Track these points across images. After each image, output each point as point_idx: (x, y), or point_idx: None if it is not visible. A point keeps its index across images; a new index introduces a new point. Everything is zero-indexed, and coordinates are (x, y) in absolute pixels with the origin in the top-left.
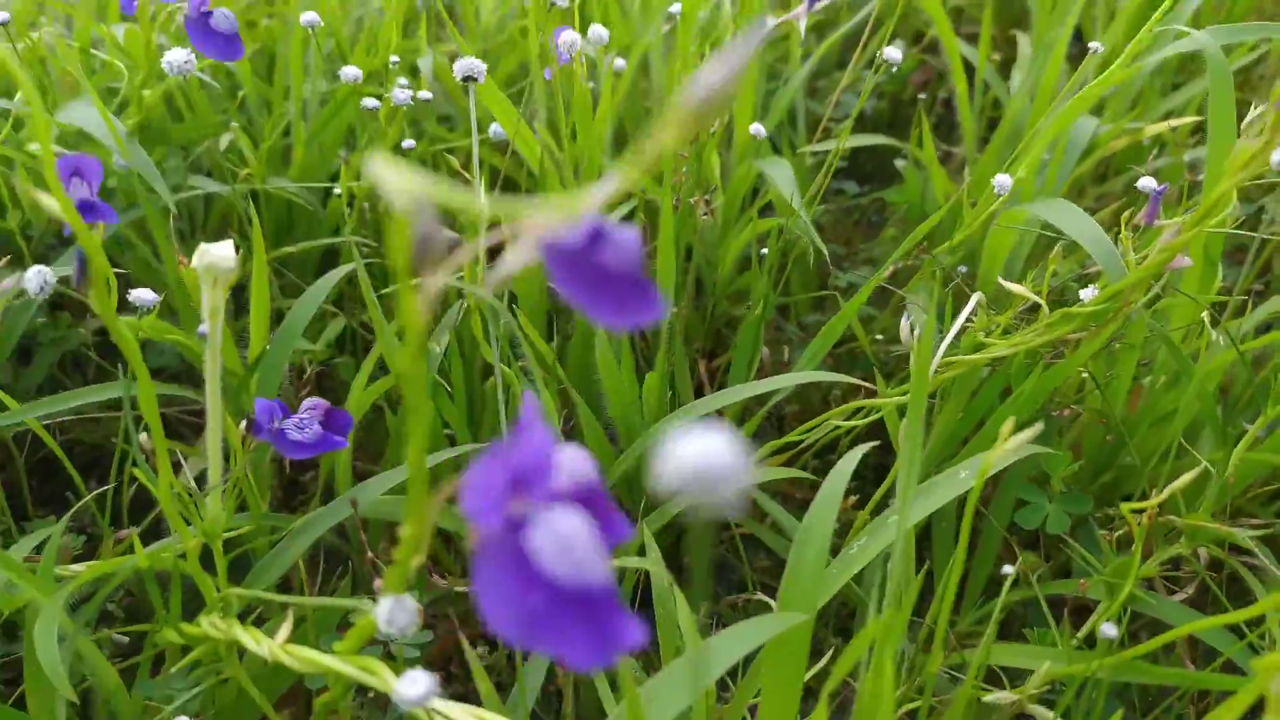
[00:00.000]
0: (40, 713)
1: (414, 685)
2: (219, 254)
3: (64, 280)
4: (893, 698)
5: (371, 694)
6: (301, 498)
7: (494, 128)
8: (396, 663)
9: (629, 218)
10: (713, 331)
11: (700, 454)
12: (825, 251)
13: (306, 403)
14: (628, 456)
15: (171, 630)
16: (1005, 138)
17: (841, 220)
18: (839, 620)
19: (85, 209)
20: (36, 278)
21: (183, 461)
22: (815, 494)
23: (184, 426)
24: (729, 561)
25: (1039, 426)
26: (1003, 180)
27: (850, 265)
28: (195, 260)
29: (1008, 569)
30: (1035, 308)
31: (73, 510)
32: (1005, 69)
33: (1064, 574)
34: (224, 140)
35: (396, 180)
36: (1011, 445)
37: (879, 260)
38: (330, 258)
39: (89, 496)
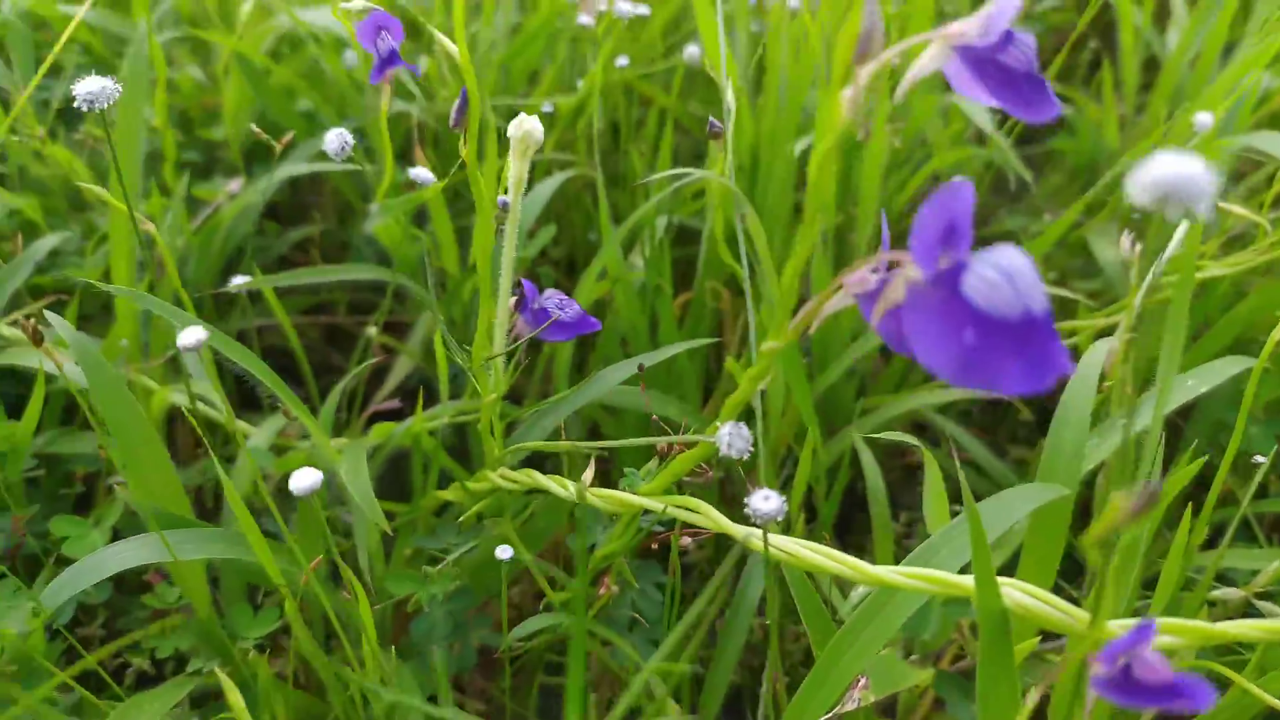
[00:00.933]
0: (309, 549)
1: (767, 501)
2: (532, 124)
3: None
4: (1184, 552)
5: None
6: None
7: (690, 50)
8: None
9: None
10: None
11: (1172, 169)
12: (1028, 175)
13: (548, 292)
14: (829, 373)
15: (442, 491)
16: (1169, 89)
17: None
18: None
19: (391, 59)
20: (337, 139)
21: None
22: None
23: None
24: (908, 483)
25: None
26: (1204, 118)
27: (1010, 213)
28: (511, 130)
29: (1259, 459)
30: (1239, 238)
31: (343, 381)
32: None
33: (1260, 497)
34: (421, 63)
35: None
36: None
37: (1040, 208)
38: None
39: (354, 371)
